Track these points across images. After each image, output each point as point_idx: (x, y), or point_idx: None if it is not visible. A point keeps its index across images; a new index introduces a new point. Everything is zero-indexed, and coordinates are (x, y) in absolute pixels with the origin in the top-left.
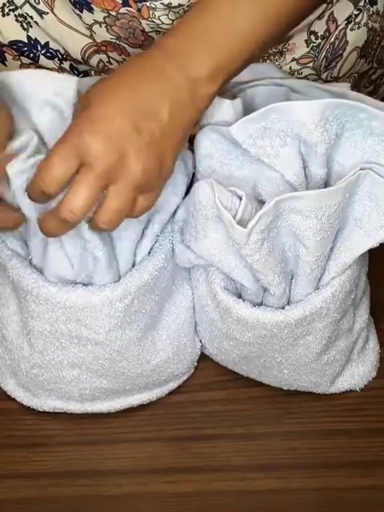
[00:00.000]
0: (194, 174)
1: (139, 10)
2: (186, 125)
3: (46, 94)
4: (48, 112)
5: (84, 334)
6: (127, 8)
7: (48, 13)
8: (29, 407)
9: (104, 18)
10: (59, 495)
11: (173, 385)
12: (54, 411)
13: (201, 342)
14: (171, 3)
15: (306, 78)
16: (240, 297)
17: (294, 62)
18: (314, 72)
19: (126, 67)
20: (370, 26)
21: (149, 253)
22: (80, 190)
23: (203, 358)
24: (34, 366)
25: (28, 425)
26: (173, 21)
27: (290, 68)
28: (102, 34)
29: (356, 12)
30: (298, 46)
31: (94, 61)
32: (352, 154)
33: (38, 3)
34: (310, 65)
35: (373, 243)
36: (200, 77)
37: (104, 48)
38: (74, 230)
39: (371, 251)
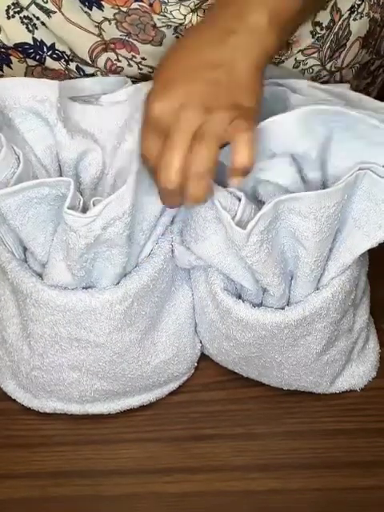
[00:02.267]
0: None
1: (151, 5)
2: (250, 63)
3: (28, 102)
4: (32, 120)
5: (84, 336)
6: (139, 3)
7: (56, 12)
8: (29, 407)
9: (114, 14)
10: (59, 495)
11: (173, 386)
12: (55, 412)
13: (201, 342)
14: None
15: (310, 68)
16: (240, 297)
17: (300, 52)
18: (318, 62)
19: (186, 36)
20: (371, 16)
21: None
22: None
23: (203, 358)
24: (34, 369)
25: (28, 425)
26: (184, 16)
27: (296, 59)
28: (111, 32)
29: (358, 2)
30: (304, 37)
31: (101, 60)
32: (345, 155)
33: (46, 2)
34: (315, 55)
35: (372, 243)
36: (259, 24)
37: (112, 46)
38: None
39: (371, 251)
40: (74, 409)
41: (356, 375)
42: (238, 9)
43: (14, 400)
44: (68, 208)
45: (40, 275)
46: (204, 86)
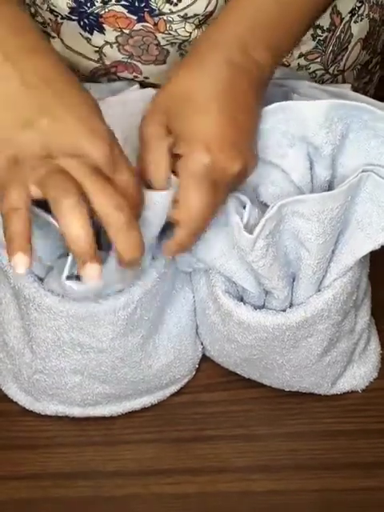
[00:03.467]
0: None
1: (156, 24)
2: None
3: None
4: None
5: (87, 341)
6: (143, 24)
7: (55, 37)
8: (30, 410)
9: (116, 37)
10: (60, 496)
11: (174, 388)
12: (56, 415)
13: (202, 344)
14: (187, 14)
15: (314, 72)
16: (241, 300)
17: (302, 57)
18: (321, 67)
19: (206, 84)
20: (371, 16)
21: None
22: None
23: (204, 359)
24: (36, 372)
25: (29, 426)
26: (190, 33)
27: (299, 64)
28: (112, 55)
29: (358, 4)
30: (305, 40)
31: (103, 80)
32: (356, 155)
33: (45, 27)
34: (318, 60)
35: (374, 245)
36: (263, 64)
37: (113, 69)
38: None
39: (372, 252)
40: (76, 412)
41: (357, 376)
42: (242, 46)
43: (16, 402)
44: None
45: (42, 279)
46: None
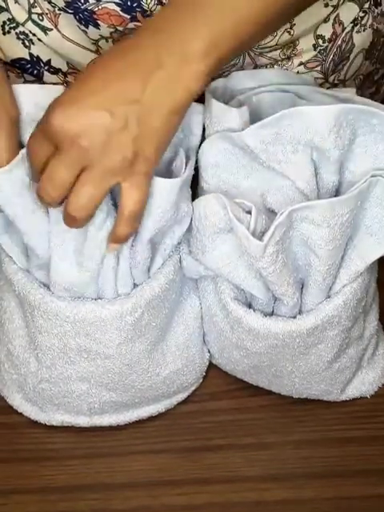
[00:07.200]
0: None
1: None
2: (170, 106)
3: (29, 108)
4: (33, 126)
5: (93, 348)
6: (136, 23)
7: (52, 29)
8: (36, 421)
9: (110, 33)
10: (69, 510)
11: (182, 396)
12: (62, 425)
13: (209, 351)
14: None
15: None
16: (250, 306)
17: (302, 66)
18: (321, 76)
19: (109, 52)
20: (374, 27)
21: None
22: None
23: (211, 366)
24: (42, 381)
25: (35, 438)
26: None
27: (298, 72)
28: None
29: (361, 14)
30: (306, 50)
31: None
32: (363, 160)
33: (42, 20)
34: (318, 69)
35: None
36: (191, 51)
37: None
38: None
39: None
40: (82, 421)
41: (366, 382)
42: (171, 37)
43: (21, 413)
44: None
45: (47, 286)
46: (110, 119)
